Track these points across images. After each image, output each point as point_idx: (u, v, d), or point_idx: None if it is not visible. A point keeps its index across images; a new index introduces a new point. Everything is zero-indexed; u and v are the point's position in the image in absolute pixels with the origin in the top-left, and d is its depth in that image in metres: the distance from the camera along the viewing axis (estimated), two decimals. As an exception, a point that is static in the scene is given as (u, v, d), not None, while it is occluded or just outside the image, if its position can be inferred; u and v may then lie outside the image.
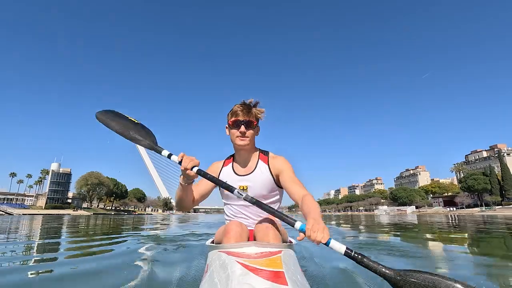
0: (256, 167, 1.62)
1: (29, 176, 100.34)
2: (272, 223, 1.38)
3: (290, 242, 1.55)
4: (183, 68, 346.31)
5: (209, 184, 1.61)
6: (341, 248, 1.00)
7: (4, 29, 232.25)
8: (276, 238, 1.28)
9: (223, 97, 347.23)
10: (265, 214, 1.55)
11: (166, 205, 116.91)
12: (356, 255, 1.00)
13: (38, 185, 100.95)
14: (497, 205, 69.83)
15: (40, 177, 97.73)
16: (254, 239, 1.39)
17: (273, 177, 1.59)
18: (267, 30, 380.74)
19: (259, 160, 1.64)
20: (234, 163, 1.67)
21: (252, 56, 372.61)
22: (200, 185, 1.62)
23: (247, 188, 1.58)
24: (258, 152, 1.67)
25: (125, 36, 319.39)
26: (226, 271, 0.90)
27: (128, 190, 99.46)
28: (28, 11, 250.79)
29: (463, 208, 76.85)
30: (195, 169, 1.32)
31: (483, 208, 67.65)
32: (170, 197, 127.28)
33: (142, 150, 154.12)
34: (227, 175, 1.64)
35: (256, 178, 1.59)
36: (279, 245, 1.15)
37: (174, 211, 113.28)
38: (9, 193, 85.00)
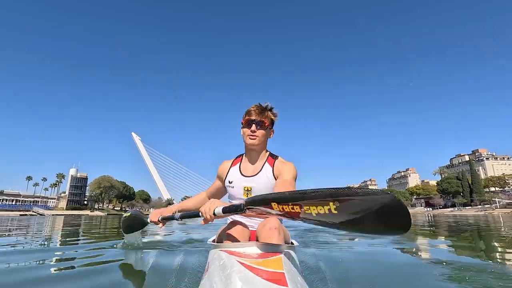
0: (262, 169, 1.64)
1: (44, 179, 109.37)
2: (275, 224, 1.34)
3: (292, 243, 1.53)
4: (182, 68, 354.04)
5: (220, 190, 1.79)
6: (221, 212, 1.13)
7: (17, 30, 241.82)
8: (278, 240, 1.27)
9: (221, 97, 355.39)
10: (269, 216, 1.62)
11: (168, 205, 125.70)
12: (228, 209, 1.12)
13: (53, 188, 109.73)
14: (466, 206, 77.95)
15: (57, 180, 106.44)
16: (256, 240, 1.40)
17: (275, 180, 1.61)
18: (265, 29, 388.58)
19: (266, 162, 1.66)
20: (242, 163, 1.71)
21: (251, 55, 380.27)
22: (213, 190, 1.83)
23: (251, 189, 1.61)
24: (267, 154, 1.71)
25: (124, 36, 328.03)
26: (227, 270, 0.90)
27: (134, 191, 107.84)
28: (28, 11, 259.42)
29: (438, 208, 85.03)
30: (160, 218, 1.60)
31: (454, 209, 75.89)
32: (172, 198, 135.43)
33: (142, 150, 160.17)
34: (233, 175, 1.67)
35: (261, 180, 1.61)
36: (280, 246, 1.14)
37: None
38: (35, 195, 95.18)
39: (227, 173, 1.72)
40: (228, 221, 1.60)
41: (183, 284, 1.59)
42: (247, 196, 1.62)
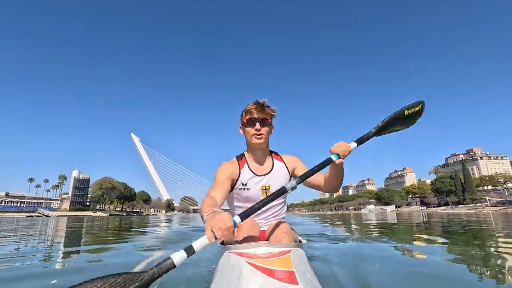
0: (273, 166, 1.63)
1: (46, 181, 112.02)
2: (285, 228, 1.36)
3: (300, 241, 1.55)
4: (182, 68, 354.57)
5: (228, 186, 1.52)
6: (354, 144, 1.40)
7: (18, 30, 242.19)
8: (287, 239, 1.30)
9: (221, 97, 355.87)
10: (276, 217, 1.65)
11: (168, 206, 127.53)
12: (364, 137, 1.43)
13: (55, 189, 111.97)
14: (459, 205, 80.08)
15: (59, 182, 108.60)
16: (266, 240, 1.42)
17: (289, 174, 1.65)
18: (265, 29, 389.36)
19: (274, 159, 1.66)
20: (249, 163, 1.64)
21: (251, 55, 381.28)
22: (225, 193, 1.45)
23: (269, 187, 1.59)
24: (269, 151, 1.69)
25: (124, 36, 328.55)
26: (237, 272, 0.90)
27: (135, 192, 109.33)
28: (28, 11, 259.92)
29: (432, 207, 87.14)
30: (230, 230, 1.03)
31: (447, 207, 77.96)
32: (172, 199, 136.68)
33: (142, 151, 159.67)
34: (247, 176, 1.59)
35: (276, 177, 1.61)
36: (288, 245, 1.15)
37: (176, 211, 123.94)
38: (39, 197, 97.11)
39: (239, 175, 1.59)
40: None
41: (193, 287, 1.59)
42: (266, 195, 1.57)
